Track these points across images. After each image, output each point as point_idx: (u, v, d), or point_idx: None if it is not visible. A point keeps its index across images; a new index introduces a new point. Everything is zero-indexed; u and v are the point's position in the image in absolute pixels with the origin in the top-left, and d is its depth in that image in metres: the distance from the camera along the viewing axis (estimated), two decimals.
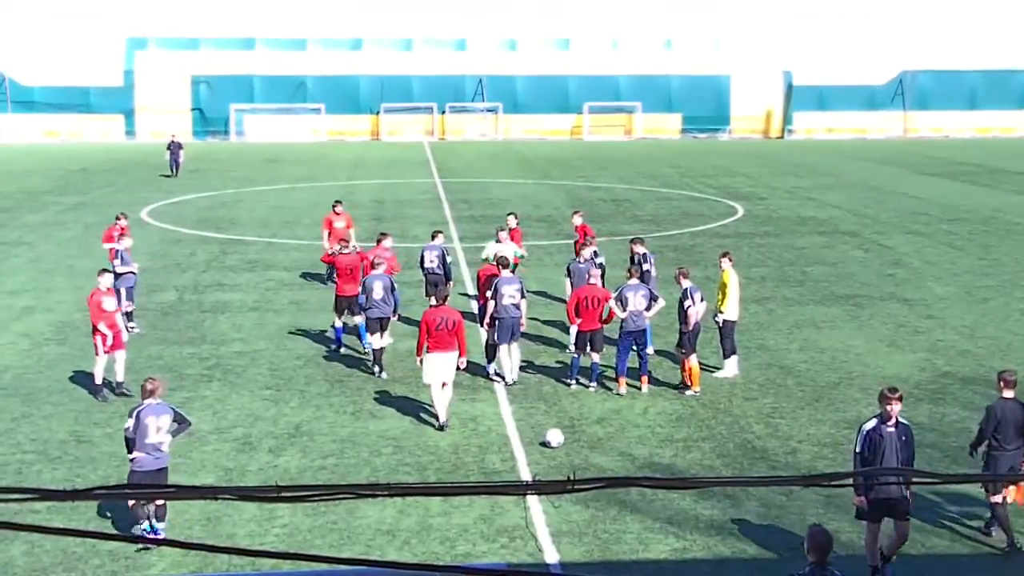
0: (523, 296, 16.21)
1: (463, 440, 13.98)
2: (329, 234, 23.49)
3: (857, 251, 28.55)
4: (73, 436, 14.04)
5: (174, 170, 46.56)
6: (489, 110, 75.42)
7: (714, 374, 16.74)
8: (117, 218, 21.08)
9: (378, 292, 16.75)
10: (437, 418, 14.36)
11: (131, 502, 10.94)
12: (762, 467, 13.08)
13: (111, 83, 71.12)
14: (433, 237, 19.71)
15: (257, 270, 25.47)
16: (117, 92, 71.08)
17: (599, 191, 43.00)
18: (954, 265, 26.49)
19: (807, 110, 77.01)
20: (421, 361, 14.68)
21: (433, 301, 14.92)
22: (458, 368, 14.73)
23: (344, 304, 18.09)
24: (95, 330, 15.48)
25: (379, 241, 18.90)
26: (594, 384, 15.99)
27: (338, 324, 18.22)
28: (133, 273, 19.16)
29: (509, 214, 22.17)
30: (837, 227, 32.78)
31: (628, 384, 15.97)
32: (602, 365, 16.41)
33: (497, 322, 16.07)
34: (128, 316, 18.69)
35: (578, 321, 15.85)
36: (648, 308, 15.89)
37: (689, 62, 76.24)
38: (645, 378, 15.95)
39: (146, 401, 10.98)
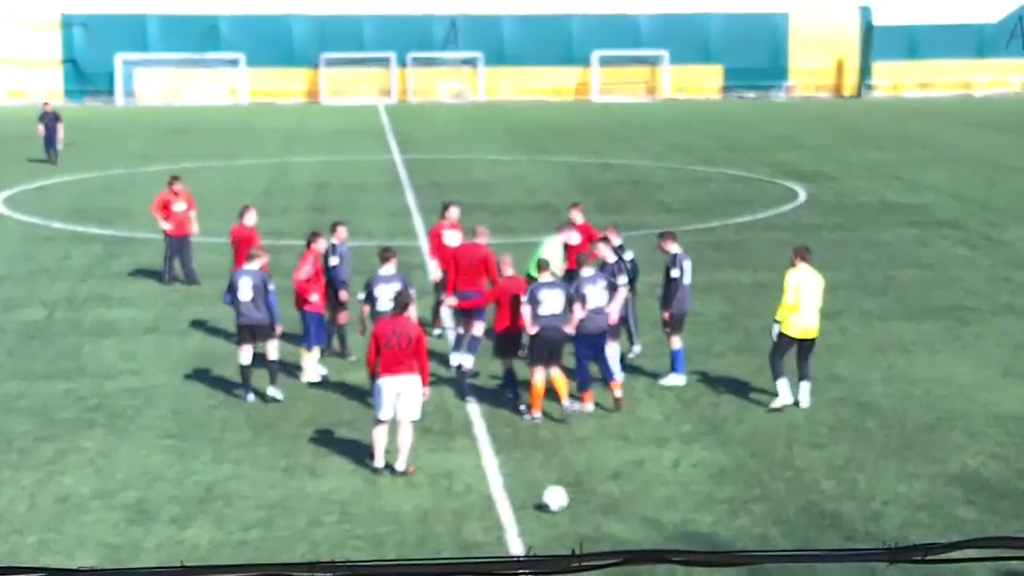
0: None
1: (433, 503, 13.99)
2: (166, 219, 24.62)
3: (961, 248, 28.69)
4: None
5: (50, 153, 43.75)
6: (466, 62, 75.56)
7: (770, 405, 16.97)
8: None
9: (245, 292, 17.23)
10: (376, 471, 14.78)
11: None
12: (834, 537, 13.10)
13: None
14: (333, 230, 19.49)
15: (154, 278, 25.45)
16: None
17: (614, 170, 43.12)
18: None
19: (893, 58, 77.37)
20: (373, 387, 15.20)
21: (388, 308, 15.18)
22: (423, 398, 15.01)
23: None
24: None
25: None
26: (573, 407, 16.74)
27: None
28: None
29: (573, 205, 21.48)
30: (934, 216, 32.93)
31: (614, 396, 16.68)
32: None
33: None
34: None
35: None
36: (611, 302, 17.02)
37: None
38: (616, 383, 16.97)
39: None
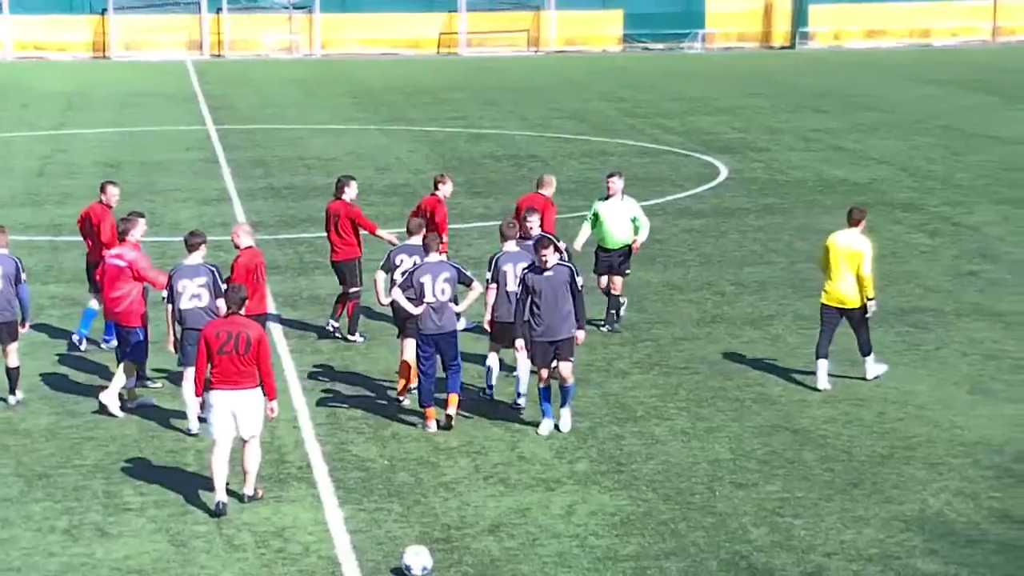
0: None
1: (262, 569, 13.85)
2: None
3: (918, 235, 29.30)
4: None
5: None
6: (298, 7, 75.01)
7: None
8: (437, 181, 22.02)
9: None
10: (218, 506, 14.97)
11: None
12: None
13: None
14: (126, 225, 19.22)
15: None
16: None
17: (487, 142, 43.15)
18: None
19: (832, 1, 78.58)
20: (203, 403, 15.44)
21: (223, 308, 15.52)
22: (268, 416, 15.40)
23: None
24: None
25: (122, 236, 18.76)
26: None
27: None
28: None
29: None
30: (885, 196, 33.56)
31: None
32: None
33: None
34: None
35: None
36: (456, 299, 17.64)
37: None
38: (454, 397, 17.64)
39: None
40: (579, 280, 17.36)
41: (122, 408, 18.18)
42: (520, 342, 17.36)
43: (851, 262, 18.83)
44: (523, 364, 18.01)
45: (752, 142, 42.53)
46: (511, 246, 18.43)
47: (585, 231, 22.09)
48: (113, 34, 72.68)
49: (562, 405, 17.48)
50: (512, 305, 17.76)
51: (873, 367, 19.36)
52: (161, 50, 72.48)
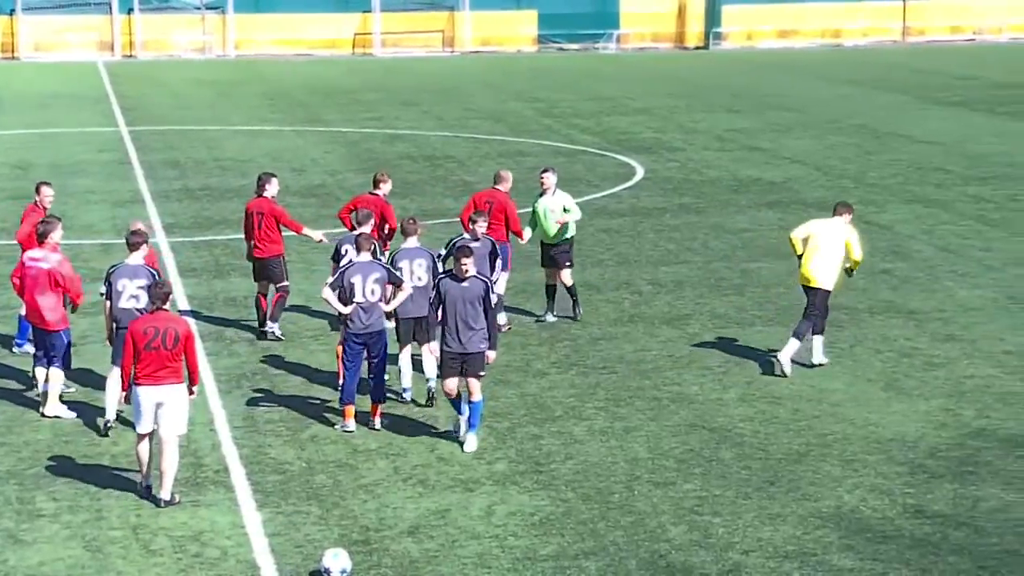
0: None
1: (179, 574, 13.77)
2: None
3: None
4: None
5: None
6: (210, 7, 74.51)
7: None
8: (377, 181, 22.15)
9: None
10: (156, 500, 15.30)
11: None
12: None
13: None
14: (43, 230, 19.09)
15: None
16: None
17: (403, 143, 43.08)
18: (988, 253, 27.75)
19: (746, 1, 79.13)
20: (126, 397, 15.58)
21: (132, 305, 16.00)
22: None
23: None
24: None
25: (42, 239, 18.44)
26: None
27: None
28: None
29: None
30: (799, 195, 33.85)
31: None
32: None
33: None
34: None
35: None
36: (385, 297, 17.62)
37: None
38: (377, 408, 17.75)
39: None
40: (493, 298, 17.21)
41: (41, 414, 18.04)
42: (434, 345, 17.29)
43: (827, 246, 19.78)
44: (429, 362, 18.21)
45: (667, 142, 42.73)
46: (412, 242, 18.66)
47: (528, 231, 22.45)
48: (22, 35, 71.79)
49: (468, 427, 17.13)
50: (411, 304, 17.93)
51: (820, 351, 20.05)
52: (72, 51, 71.72)
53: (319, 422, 18.00)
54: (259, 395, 19.06)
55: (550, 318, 22.48)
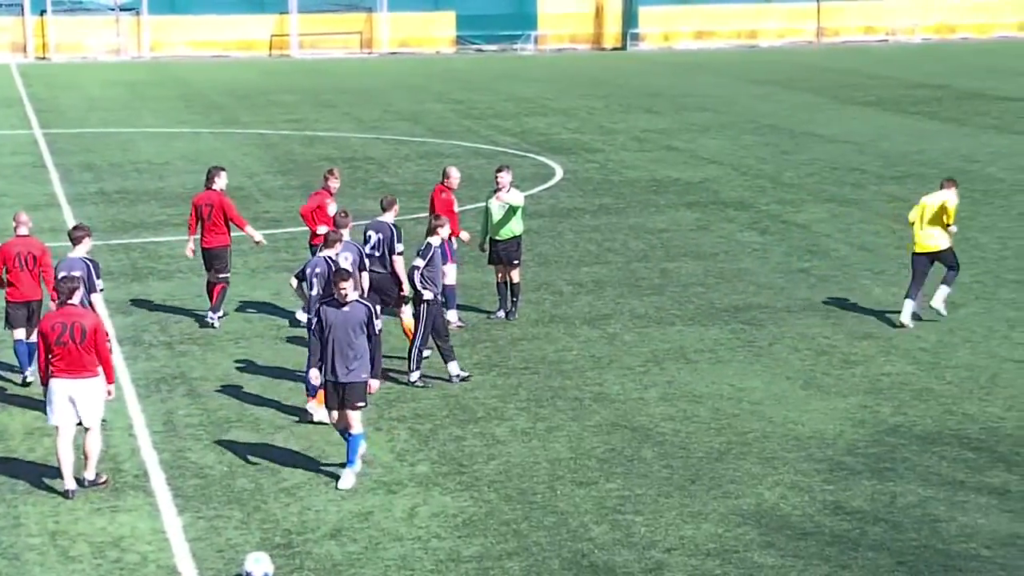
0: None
1: None
2: None
3: (750, 233, 29.77)
4: None
5: None
6: (125, 8, 73.89)
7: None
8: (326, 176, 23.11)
9: None
10: (67, 493, 15.44)
11: None
12: None
13: None
14: None
15: None
16: None
17: (321, 144, 42.95)
18: (903, 251, 27.88)
19: (663, 3, 79.68)
20: (45, 392, 15.86)
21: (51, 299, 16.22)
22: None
23: None
24: None
25: None
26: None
27: None
28: None
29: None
30: (717, 195, 34.06)
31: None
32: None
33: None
34: None
35: None
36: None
37: None
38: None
39: None
40: (377, 324, 16.11)
41: None
42: (314, 372, 16.26)
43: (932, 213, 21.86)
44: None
45: (586, 143, 42.88)
46: (344, 235, 18.78)
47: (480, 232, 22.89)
48: None
49: (347, 461, 16.05)
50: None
51: (941, 298, 22.14)
52: None
53: (239, 426, 17.92)
54: (178, 399, 18.93)
55: (501, 315, 22.66)
